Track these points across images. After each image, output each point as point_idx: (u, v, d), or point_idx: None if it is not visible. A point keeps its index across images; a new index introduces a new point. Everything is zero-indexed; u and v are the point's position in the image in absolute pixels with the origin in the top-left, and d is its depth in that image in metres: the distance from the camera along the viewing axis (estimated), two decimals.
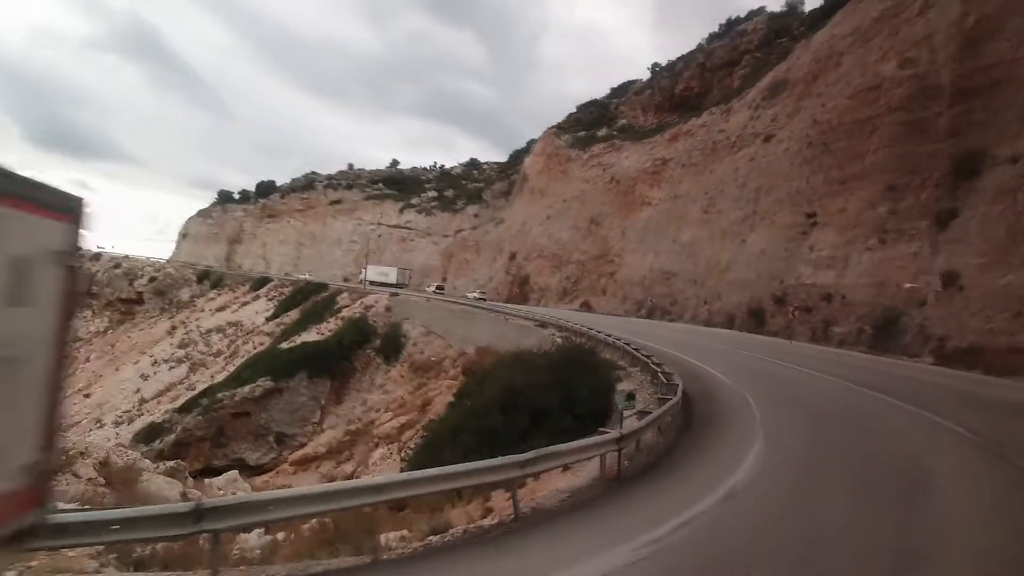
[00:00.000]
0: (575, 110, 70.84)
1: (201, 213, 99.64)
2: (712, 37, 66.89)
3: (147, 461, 16.46)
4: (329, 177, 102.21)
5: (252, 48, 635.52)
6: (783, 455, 9.30)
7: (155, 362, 61.88)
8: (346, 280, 75.44)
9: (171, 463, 18.39)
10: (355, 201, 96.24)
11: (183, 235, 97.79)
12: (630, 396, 10.83)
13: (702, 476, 8.22)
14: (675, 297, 43.63)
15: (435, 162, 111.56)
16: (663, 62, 70.78)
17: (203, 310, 75.79)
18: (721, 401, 13.58)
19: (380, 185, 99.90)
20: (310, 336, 47.52)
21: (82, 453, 11.57)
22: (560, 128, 68.87)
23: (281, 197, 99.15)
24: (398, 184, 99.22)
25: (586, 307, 50.74)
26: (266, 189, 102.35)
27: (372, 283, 59.83)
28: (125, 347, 70.95)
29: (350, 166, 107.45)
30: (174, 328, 71.45)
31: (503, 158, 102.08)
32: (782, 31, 55.98)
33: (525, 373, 14.57)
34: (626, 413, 9.87)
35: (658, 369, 14.60)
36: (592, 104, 69.06)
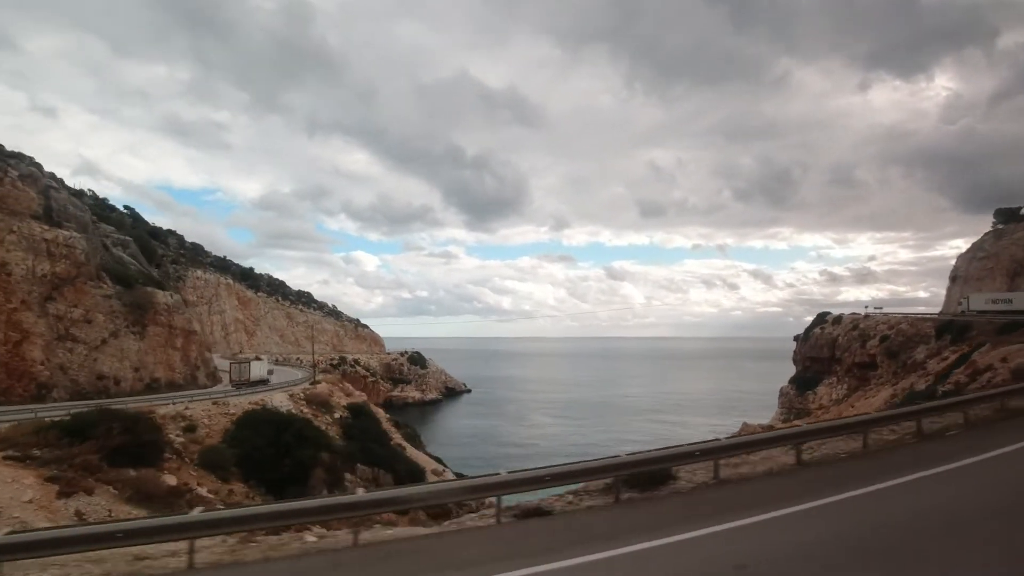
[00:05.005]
0: None
1: (972, 247, 76.61)
2: None
3: None
4: None
5: None
6: None
7: None
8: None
9: None
10: None
11: (952, 278, 77.94)
12: None
13: None
14: None
15: None
16: None
17: (930, 373, 59.55)
18: None
19: None
20: None
21: None
22: None
23: None
24: None
25: None
26: None
27: (981, 313, 34.65)
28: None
29: None
30: (893, 396, 60.00)
31: None
32: None
33: None
34: None
35: None
36: None
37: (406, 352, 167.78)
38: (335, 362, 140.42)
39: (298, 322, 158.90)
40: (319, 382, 47.97)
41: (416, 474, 40.20)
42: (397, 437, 45.06)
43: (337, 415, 40.30)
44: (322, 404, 40.41)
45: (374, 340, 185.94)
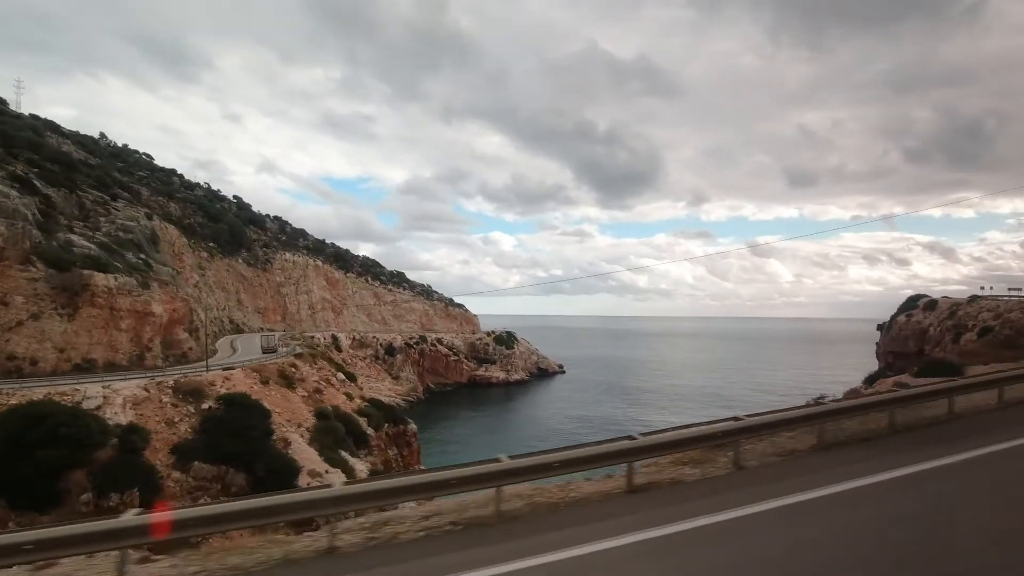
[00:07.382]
0: None
1: None
2: None
3: None
4: None
5: None
6: None
7: None
8: None
9: None
10: None
11: None
12: None
13: None
14: None
15: None
16: None
17: None
18: None
19: None
20: None
21: None
22: None
23: None
24: None
25: None
26: None
27: None
28: None
29: None
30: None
31: None
32: None
33: None
34: None
35: None
36: None
37: (493, 332, 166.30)
38: (413, 340, 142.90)
39: (385, 301, 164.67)
40: (234, 368, 46.34)
41: (283, 474, 36.60)
42: (290, 431, 41.77)
43: (205, 406, 37.92)
44: (191, 393, 38.28)
45: (466, 319, 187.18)
